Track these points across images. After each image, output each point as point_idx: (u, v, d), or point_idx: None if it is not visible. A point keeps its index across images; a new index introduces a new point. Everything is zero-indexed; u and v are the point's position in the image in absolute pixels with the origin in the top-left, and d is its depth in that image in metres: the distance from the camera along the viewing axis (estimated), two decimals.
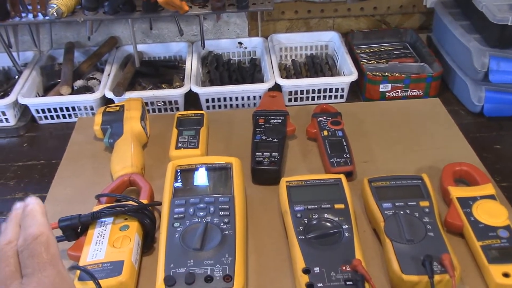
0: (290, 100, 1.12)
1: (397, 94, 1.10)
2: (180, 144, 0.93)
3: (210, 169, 0.82)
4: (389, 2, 1.30)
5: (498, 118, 1.05)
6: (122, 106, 0.99)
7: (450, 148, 0.95)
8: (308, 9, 1.30)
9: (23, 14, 1.03)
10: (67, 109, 1.09)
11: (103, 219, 0.74)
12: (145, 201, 0.78)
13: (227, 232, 0.71)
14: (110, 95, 1.06)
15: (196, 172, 0.82)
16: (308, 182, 0.80)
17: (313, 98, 1.12)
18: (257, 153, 0.89)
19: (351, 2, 1.26)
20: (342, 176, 0.81)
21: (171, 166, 0.83)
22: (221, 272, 0.65)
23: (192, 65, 1.15)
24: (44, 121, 1.11)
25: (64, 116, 1.10)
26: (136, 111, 0.97)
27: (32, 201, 0.48)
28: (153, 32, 1.26)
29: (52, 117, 1.10)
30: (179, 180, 0.80)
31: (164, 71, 1.21)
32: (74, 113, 1.10)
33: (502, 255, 0.69)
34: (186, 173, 0.82)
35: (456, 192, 0.79)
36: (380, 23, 1.34)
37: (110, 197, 0.81)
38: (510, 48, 1.01)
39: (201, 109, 1.10)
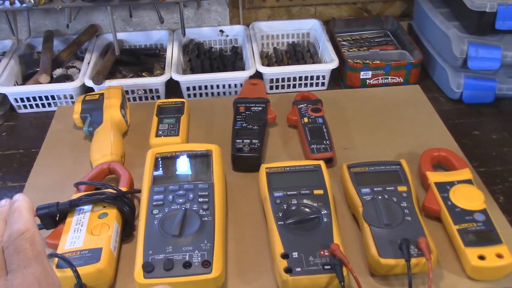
0: (271, 88, 1.12)
1: (377, 82, 1.11)
2: (160, 132, 0.93)
3: (190, 156, 0.82)
4: None
5: (477, 105, 1.06)
6: (102, 95, 0.98)
7: (430, 135, 0.95)
8: None
9: (0, 2, 1.01)
10: (47, 98, 1.08)
11: (82, 207, 0.74)
12: (124, 189, 0.78)
13: (206, 218, 0.71)
14: (90, 83, 1.05)
15: (175, 159, 0.82)
16: (288, 169, 0.80)
17: (294, 86, 1.12)
18: (237, 140, 0.89)
19: None
20: (321, 162, 0.81)
21: (150, 153, 0.82)
22: (199, 258, 0.65)
23: (173, 53, 1.14)
24: (23, 110, 1.10)
25: (43, 105, 1.09)
26: (116, 99, 0.97)
27: (20, 198, 0.48)
28: (133, 20, 1.25)
29: (31, 106, 1.09)
30: (159, 168, 0.80)
31: (145, 60, 1.20)
32: (53, 102, 1.09)
33: (478, 238, 0.70)
34: (166, 160, 0.82)
35: (434, 177, 0.79)
36: (362, 11, 1.34)
37: (89, 185, 0.80)
38: (488, 35, 1.02)
39: (182, 98, 1.10)
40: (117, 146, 0.90)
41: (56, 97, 1.08)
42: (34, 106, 1.09)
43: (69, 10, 1.04)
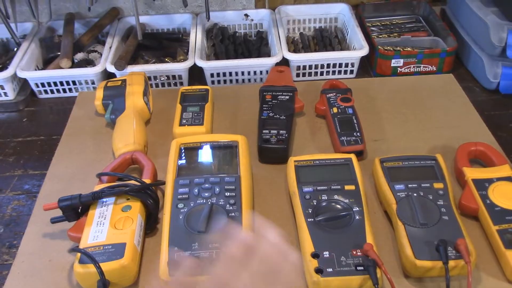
0: (298, 75, 1.08)
1: (409, 70, 1.06)
2: (184, 121, 0.90)
3: (216, 147, 0.79)
4: None
5: None
6: (124, 81, 0.95)
7: (465, 127, 0.91)
8: None
9: None
10: (68, 83, 1.05)
11: (105, 199, 0.71)
12: (148, 181, 0.76)
13: (233, 214, 0.68)
14: (111, 69, 1.02)
15: (200, 150, 0.79)
16: (317, 162, 0.77)
17: (322, 74, 1.08)
18: (264, 131, 0.86)
19: None
20: (352, 156, 0.78)
21: (175, 144, 0.79)
22: None
23: (197, 38, 1.10)
24: (44, 95, 1.08)
25: (64, 90, 1.07)
26: (139, 86, 0.94)
27: None
28: (156, 3, 1.21)
29: (52, 91, 1.07)
30: (183, 159, 0.77)
31: (168, 44, 1.17)
32: (74, 87, 1.06)
33: None
34: (191, 151, 0.79)
35: (471, 173, 0.75)
36: None
37: (112, 176, 0.78)
38: None
39: (206, 84, 1.07)
40: (140, 135, 0.87)
41: (77, 82, 1.05)
42: (55, 91, 1.07)
43: None
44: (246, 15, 1.20)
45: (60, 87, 1.06)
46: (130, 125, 0.88)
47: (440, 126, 0.91)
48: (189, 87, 0.97)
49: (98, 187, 0.74)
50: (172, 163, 0.76)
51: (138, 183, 0.73)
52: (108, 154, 0.88)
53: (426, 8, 1.21)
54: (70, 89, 1.07)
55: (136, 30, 1.11)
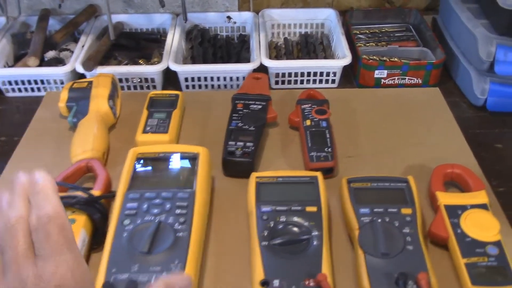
0: (277, 82, 1.03)
1: (393, 82, 1.01)
2: (148, 128, 0.85)
3: (174, 159, 0.74)
4: None
5: (501, 114, 0.96)
6: (90, 83, 0.91)
7: (446, 146, 0.86)
8: None
9: None
10: (36, 82, 1.01)
11: None
12: (97, 192, 0.71)
13: (181, 233, 0.63)
14: (81, 69, 0.98)
15: (157, 162, 0.74)
16: (280, 179, 0.72)
17: (302, 82, 1.03)
18: (230, 142, 0.81)
19: None
20: (318, 174, 0.73)
21: (131, 153, 0.75)
22: None
23: (174, 40, 1.06)
24: (11, 94, 1.03)
25: (33, 90, 1.02)
26: (105, 89, 0.89)
27: (42, 177, 0.43)
28: (135, 1, 1.16)
29: (20, 90, 1.02)
30: (138, 170, 0.73)
31: (145, 45, 1.12)
32: (43, 87, 1.02)
33: (488, 276, 0.61)
34: (147, 162, 0.74)
35: (444, 198, 0.70)
36: (384, 2, 1.23)
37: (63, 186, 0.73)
38: None
39: (180, 88, 1.02)
40: (99, 141, 0.83)
41: (46, 82, 1.01)
42: (23, 90, 1.02)
43: None
44: (229, 18, 1.15)
45: (28, 86, 1.02)
46: (90, 130, 0.84)
47: (420, 143, 0.86)
48: (159, 92, 0.93)
49: None
50: (125, 174, 0.72)
51: (86, 195, 0.69)
52: (68, 160, 0.83)
53: (417, 17, 1.16)
54: (38, 89, 1.02)
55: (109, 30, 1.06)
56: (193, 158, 0.74)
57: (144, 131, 0.84)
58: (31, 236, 0.40)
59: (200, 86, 1.02)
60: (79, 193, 0.69)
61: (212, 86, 1.02)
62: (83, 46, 1.04)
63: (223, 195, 0.77)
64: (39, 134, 0.90)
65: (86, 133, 0.83)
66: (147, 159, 0.74)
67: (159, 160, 0.74)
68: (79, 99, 0.89)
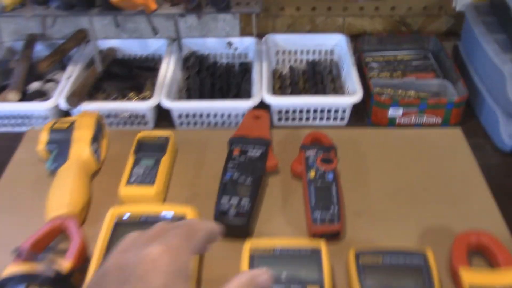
0: (280, 119, 0.94)
1: (409, 121, 0.91)
2: (133, 178, 0.76)
3: (156, 223, 0.65)
4: (411, 2, 1.09)
5: None
6: (73, 123, 0.82)
7: (469, 201, 0.75)
8: (312, 6, 1.10)
9: None
10: (17, 117, 0.93)
11: None
12: (68, 264, 0.62)
13: None
14: (65, 105, 0.89)
15: (139, 225, 0.65)
16: (278, 252, 0.63)
17: (307, 119, 0.93)
18: (223, 200, 0.72)
19: (364, 0, 1.05)
20: (322, 244, 0.63)
21: (110, 215, 0.66)
22: None
23: (168, 70, 0.97)
24: None
25: (15, 125, 0.94)
26: (87, 131, 0.81)
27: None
28: (128, 26, 1.08)
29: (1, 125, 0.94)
30: (116, 238, 0.64)
31: (138, 73, 1.03)
32: (26, 122, 0.94)
33: None
34: (127, 226, 0.65)
35: (470, 277, 0.60)
36: (399, 25, 1.13)
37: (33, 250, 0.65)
38: None
39: (174, 125, 0.93)
40: (78, 194, 0.74)
41: (28, 117, 0.93)
42: (2, 125, 0.94)
43: (42, 18, 0.88)
44: (229, 43, 1.06)
45: (8, 122, 0.93)
46: (68, 181, 0.75)
47: (438, 199, 0.76)
48: (148, 133, 0.84)
49: (11, 269, 0.61)
50: (101, 242, 0.63)
51: (52, 272, 0.60)
52: (45, 213, 0.75)
53: (436, 44, 1.05)
54: (20, 124, 0.94)
55: (102, 57, 0.98)
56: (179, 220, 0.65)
57: (129, 182, 0.75)
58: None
59: (195, 123, 0.93)
60: (48, 264, 0.60)
61: (209, 123, 0.93)
62: (69, 77, 0.95)
63: (214, 259, 0.68)
64: (16, 180, 0.81)
65: (63, 184, 0.75)
66: (126, 224, 0.66)
67: (141, 224, 0.65)
68: (60, 142, 0.80)
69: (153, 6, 0.80)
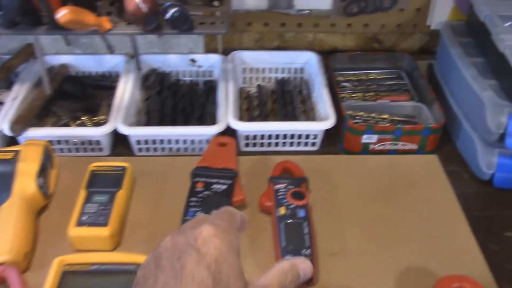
0: (247, 145, 0.87)
1: (384, 147, 0.86)
2: (84, 218, 0.68)
3: (107, 274, 0.58)
4: (384, 19, 1.04)
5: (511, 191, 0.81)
6: (17, 153, 0.74)
7: (447, 238, 0.71)
8: (281, 22, 1.04)
9: None
10: None
11: None
12: None
13: None
14: (8, 131, 0.81)
15: (88, 277, 0.58)
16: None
17: (276, 144, 0.87)
18: None
19: (336, 17, 1.00)
20: None
21: (55, 266, 0.59)
22: None
23: (126, 90, 0.89)
24: None
25: None
26: (32, 164, 0.72)
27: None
28: (82, 41, 0.99)
29: None
30: None
31: (93, 93, 0.95)
32: None
33: None
34: (75, 278, 0.58)
35: None
36: (372, 41, 1.08)
37: None
38: None
39: (133, 151, 0.85)
40: (21, 238, 0.66)
41: None
42: None
43: None
44: (193, 60, 0.99)
45: None
46: (10, 222, 0.67)
47: (415, 236, 0.71)
48: (101, 164, 0.76)
49: None
50: None
51: None
52: None
53: (410, 62, 1.01)
54: None
55: (53, 74, 0.90)
56: (130, 272, 0.58)
57: (79, 223, 0.68)
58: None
59: (155, 149, 0.85)
60: None
61: (170, 149, 0.86)
62: (15, 99, 0.87)
63: None
64: None
65: (5, 225, 0.66)
66: (75, 275, 0.58)
67: (91, 276, 0.58)
68: (2, 176, 0.72)
69: (108, 26, 0.73)
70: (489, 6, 0.84)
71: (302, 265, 0.43)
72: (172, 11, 0.66)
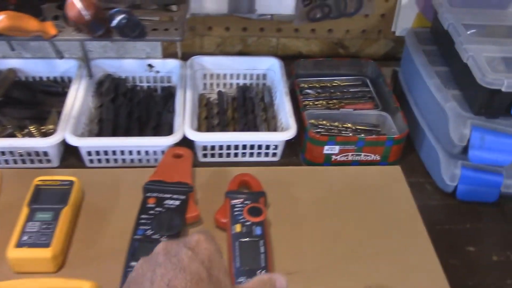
0: (205, 155, 0.83)
1: (346, 158, 0.83)
2: (25, 238, 0.64)
3: None
4: (349, 25, 1.01)
5: (474, 204, 0.80)
6: None
7: (409, 255, 0.69)
8: (243, 26, 1.00)
9: None
10: None
11: None
12: None
13: None
14: None
15: None
16: None
17: (236, 155, 0.84)
18: (131, 264, 0.61)
19: (299, 23, 0.96)
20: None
21: None
22: None
23: (77, 98, 0.84)
24: None
25: None
26: None
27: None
28: (31, 45, 0.94)
29: None
30: None
31: (43, 99, 0.90)
32: None
33: None
34: None
35: None
36: (337, 47, 1.05)
37: None
38: (500, 118, 0.74)
39: (84, 162, 0.81)
40: None
41: None
42: None
43: None
44: (150, 66, 0.94)
45: None
46: None
47: (377, 253, 0.69)
48: (47, 178, 0.71)
49: None
50: None
51: None
52: None
53: (374, 69, 0.99)
54: None
55: (0, 81, 0.84)
56: None
57: (19, 244, 0.63)
58: None
59: (108, 160, 0.81)
60: None
61: (124, 160, 0.81)
62: None
63: None
64: None
65: None
66: None
67: None
68: None
69: (52, 31, 0.68)
70: (453, 14, 0.82)
71: (280, 278, 0.45)
72: (118, 18, 0.62)
